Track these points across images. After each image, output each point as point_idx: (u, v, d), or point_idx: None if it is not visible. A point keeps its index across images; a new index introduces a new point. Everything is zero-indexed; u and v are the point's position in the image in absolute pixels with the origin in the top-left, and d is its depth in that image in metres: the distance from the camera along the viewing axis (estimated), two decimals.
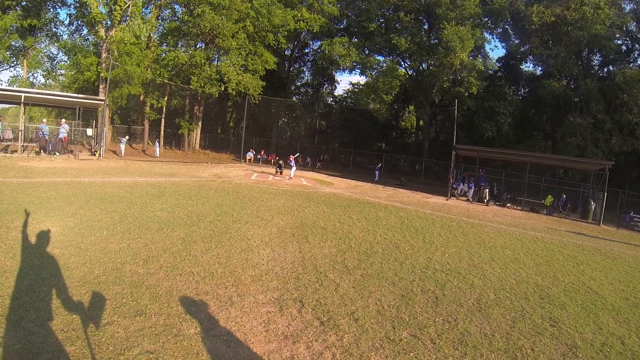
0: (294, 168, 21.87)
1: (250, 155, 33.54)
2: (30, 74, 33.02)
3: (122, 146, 26.76)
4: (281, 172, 22.76)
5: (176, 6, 34.61)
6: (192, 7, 30.91)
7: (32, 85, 31.44)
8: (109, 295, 4.55)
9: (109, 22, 28.54)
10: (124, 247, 6.32)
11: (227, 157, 36.26)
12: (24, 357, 3.35)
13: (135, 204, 9.68)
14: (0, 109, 32.68)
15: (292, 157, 22.45)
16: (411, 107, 47.21)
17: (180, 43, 34.41)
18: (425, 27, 38.81)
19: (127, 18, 28.48)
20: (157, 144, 30.72)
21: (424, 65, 38.01)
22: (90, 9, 27.72)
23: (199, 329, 3.96)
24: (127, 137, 28.82)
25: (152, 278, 5.13)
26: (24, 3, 30.40)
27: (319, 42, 42.55)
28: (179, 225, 7.99)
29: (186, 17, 30.88)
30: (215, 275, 5.51)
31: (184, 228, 7.84)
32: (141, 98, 33.00)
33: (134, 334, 3.79)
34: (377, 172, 30.67)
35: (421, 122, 43.96)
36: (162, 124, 34.46)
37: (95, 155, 22.96)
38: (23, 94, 21.19)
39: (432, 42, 36.10)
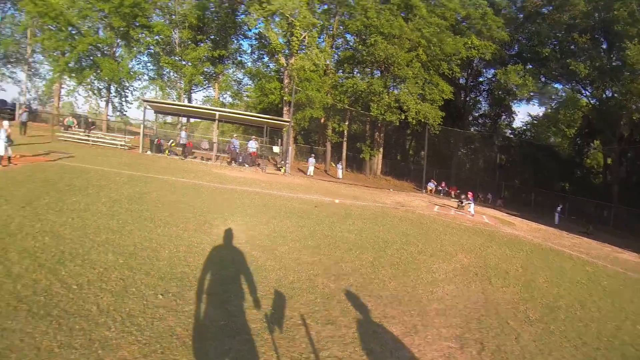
0: (472, 204, 21.15)
1: (431, 186, 32.83)
2: (220, 95, 38.55)
3: (311, 167, 28.90)
4: (462, 207, 22.17)
5: (348, 35, 36.88)
6: (363, 37, 32.48)
7: (223, 104, 36.59)
8: (302, 301, 5.22)
9: (287, 51, 31.67)
10: (316, 261, 6.97)
11: (407, 186, 36.12)
12: (227, 332, 4.29)
13: (323, 222, 10.49)
14: (192, 122, 38.72)
15: (471, 195, 21.88)
16: (596, 142, 41.82)
17: (356, 70, 36.36)
18: (604, 46, 33.79)
19: (304, 48, 31.21)
20: (339, 166, 32.30)
21: (607, 93, 33.45)
22: (270, 40, 31.27)
23: (384, 348, 4.37)
24: (313, 155, 31.10)
25: (342, 294, 5.67)
26: (213, 37, 36.28)
27: (492, 70, 41.04)
28: (367, 249, 8.40)
29: (359, 46, 32.52)
30: (402, 302, 5.85)
31: (371, 252, 8.23)
32: (322, 121, 35.48)
33: (324, 339, 4.38)
34: (557, 215, 27.88)
35: (609, 161, 38.57)
36: (344, 147, 36.42)
37: (280, 170, 24.98)
38: (218, 112, 25.08)
39: (613, 64, 31.45)
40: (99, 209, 8.96)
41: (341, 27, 35.78)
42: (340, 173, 31.71)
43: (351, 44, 36.92)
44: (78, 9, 33.15)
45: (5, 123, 14.19)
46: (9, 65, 41.79)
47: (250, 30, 38.01)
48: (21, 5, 34.64)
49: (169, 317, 4.51)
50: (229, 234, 7.94)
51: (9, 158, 13.60)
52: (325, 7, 35.56)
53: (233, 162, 24.45)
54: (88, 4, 32.81)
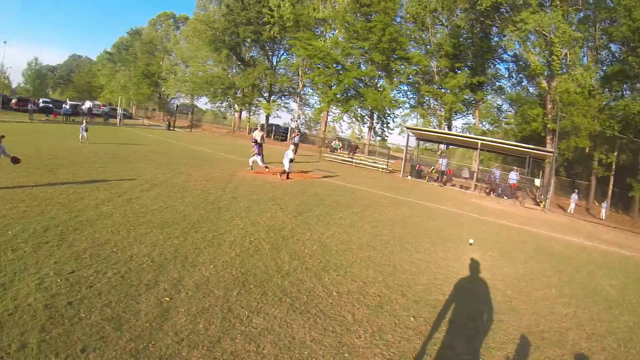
0: None
1: None
2: (480, 122, 37.79)
3: (573, 204, 26.15)
4: None
5: (613, 46, 31.79)
6: (632, 44, 27.55)
7: (483, 132, 35.61)
8: (548, 354, 5.03)
9: (548, 73, 29.56)
10: (570, 313, 6.55)
11: None
12: None
13: (582, 269, 9.75)
14: (451, 148, 38.87)
15: None
16: None
17: (625, 87, 31.03)
18: None
19: (566, 67, 28.49)
20: (604, 205, 28.12)
21: None
22: (529, 61, 29.31)
23: None
24: (576, 190, 27.96)
25: (593, 358, 5.24)
26: (470, 63, 36.00)
27: None
28: (627, 310, 7.36)
29: (629, 57, 27.55)
30: None
31: (631, 315, 7.15)
32: (586, 151, 31.56)
33: None
34: None
35: None
36: (611, 183, 31.58)
37: (539, 205, 23.13)
38: (479, 141, 24.78)
39: None
40: (363, 227, 10.05)
41: (603, 38, 31.20)
42: (603, 213, 27.39)
43: (618, 55, 31.59)
44: (341, 48, 38.73)
45: (292, 146, 17.94)
46: (284, 97, 51.98)
47: (506, 53, 37.08)
48: (293, 50, 43.24)
49: (416, 339, 4.84)
50: (485, 268, 8.17)
51: (288, 174, 16.81)
52: (582, 15, 31.70)
53: (492, 192, 23.93)
54: (349, 44, 37.91)
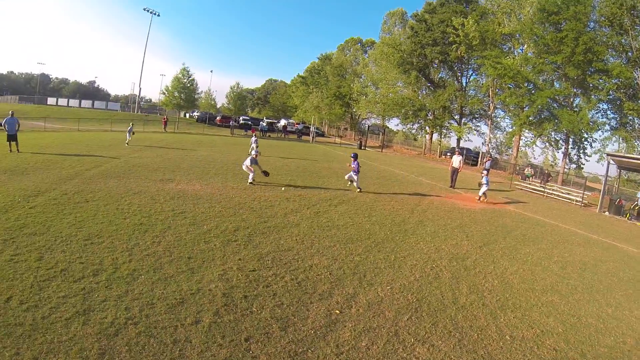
0: None
1: None
2: None
3: None
4: None
5: None
6: None
7: None
8: None
9: None
10: None
11: None
12: None
13: None
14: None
15: None
16: None
17: None
18: None
19: None
20: None
21: None
22: None
23: None
24: None
25: None
26: None
27: None
28: None
29: None
30: None
31: None
32: None
33: None
34: None
35: None
36: None
37: None
38: None
39: None
40: (550, 267, 9.24)
41: None
42: None
43: None
44: (532, 65, 37.03)
45: (485, 172, 18.54)
46: (474, 120, 50.76)
47: None
48: (482, 70, 43.09)
49: None
50: None
51: (481, 197, 18.00)
52: None
53: None
54: (540, 59, 36.00)
